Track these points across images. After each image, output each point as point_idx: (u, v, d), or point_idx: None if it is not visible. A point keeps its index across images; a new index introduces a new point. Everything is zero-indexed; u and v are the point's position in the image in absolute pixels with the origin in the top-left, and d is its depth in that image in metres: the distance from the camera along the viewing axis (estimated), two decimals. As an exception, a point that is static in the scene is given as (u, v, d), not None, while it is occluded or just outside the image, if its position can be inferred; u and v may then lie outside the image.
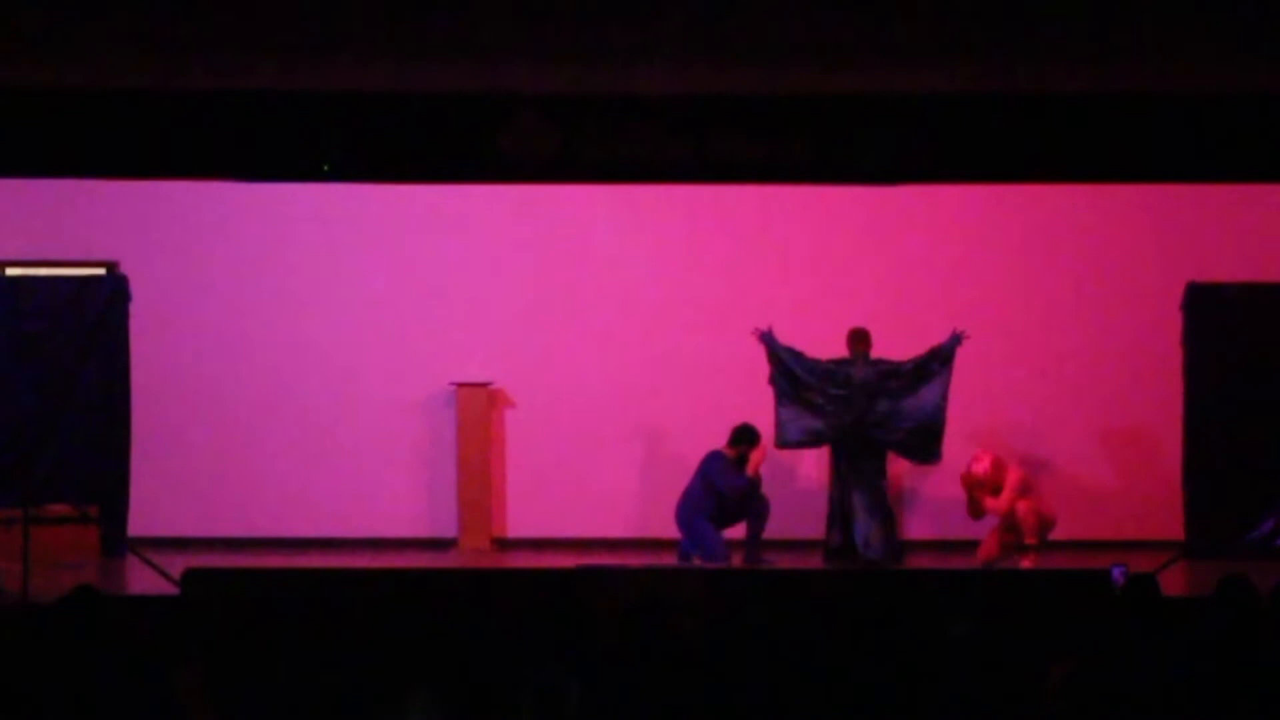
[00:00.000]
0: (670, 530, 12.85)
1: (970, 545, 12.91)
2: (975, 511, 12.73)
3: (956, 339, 12.72)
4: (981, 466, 12.60)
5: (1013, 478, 12.57)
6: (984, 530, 12.87)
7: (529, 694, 5.54)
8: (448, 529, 14.06)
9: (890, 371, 12.81)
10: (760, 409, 13.87)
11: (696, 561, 12.60)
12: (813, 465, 13.91)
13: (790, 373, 12.89)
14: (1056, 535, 12.78)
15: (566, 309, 14.25)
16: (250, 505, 14.09)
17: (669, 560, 12.73)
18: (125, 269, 13.98)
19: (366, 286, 14.25)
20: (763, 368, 13.89)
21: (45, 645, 6.71)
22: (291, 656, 6.61)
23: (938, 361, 12.75)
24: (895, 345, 13.52)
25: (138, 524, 13.50)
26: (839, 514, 12.85)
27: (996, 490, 12.60)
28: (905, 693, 6.37)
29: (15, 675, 6.45)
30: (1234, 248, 13.99)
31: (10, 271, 14.19)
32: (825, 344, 13.16)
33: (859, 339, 12.93)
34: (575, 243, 14.28)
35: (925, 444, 12.75)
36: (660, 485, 13.32)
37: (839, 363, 12.93)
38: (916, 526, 13.69)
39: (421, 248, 14.27)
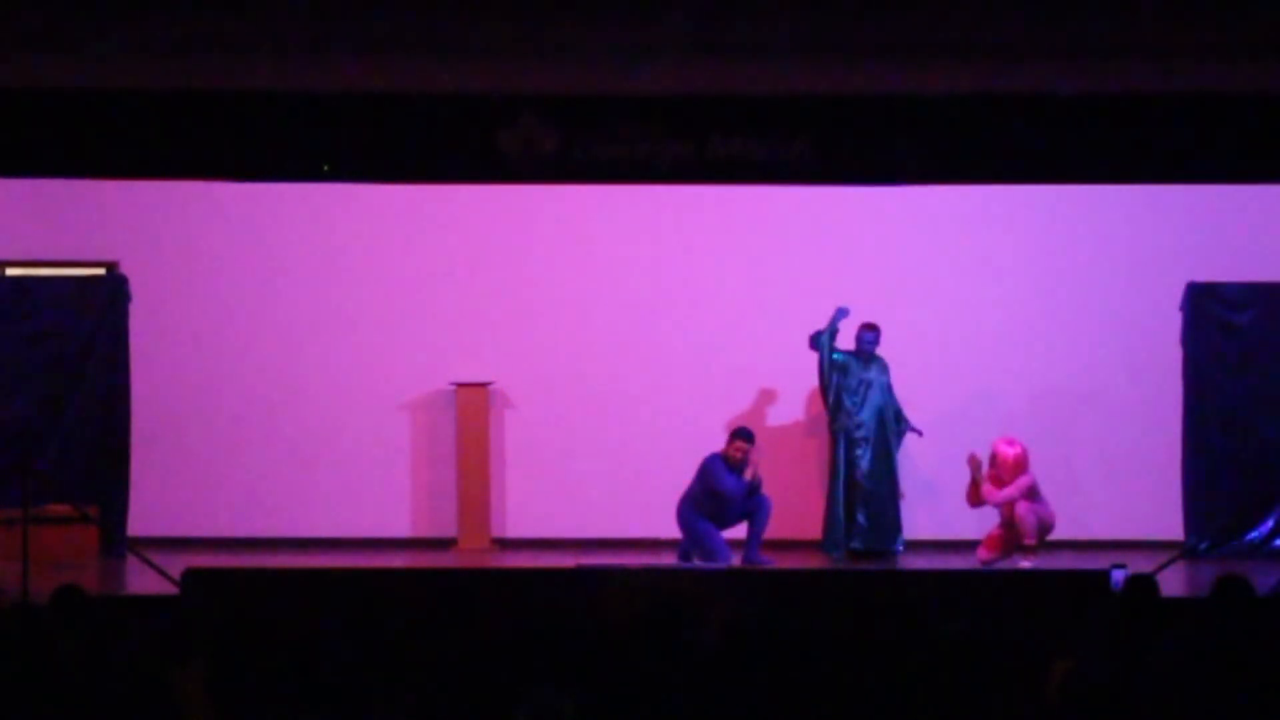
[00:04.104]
0: (670, 530, 12.85)
1: (970, 545, 12.91)
2: (974, 497, 12.73)
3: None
4: (1013, 450, 12.60)
5: (1023, 481, 12.55)
6: (984, 530, 12.87)
7: (524, 710, 5.53)
8: (447, 529, 14.06)
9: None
10: (759, 408, 13.90)
11: (696, 561, 12.60)
12: (813, 465, 13.90)
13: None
14: (1056, 535, 12.77)
15: (566, 309, 14.24)
16: (250, 505, 14.09)
17: (669, 560, 12.73)
18: (125, 269, 13.98)
19: (366, 286, 14.25)
20: (760, 367, 13.93)
21: (43, 645, 6.71)
22: (291, 656, 6.61)
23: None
24: (895, 345, 13.53)
25: (138, 524, 13.50)
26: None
27: (1003, 482, 12.59)
28: (905, 692, 6.37)
29: (15, 675, 6.45)
30: (1234, 248, 13.99)
31: (10, 271, 14.19)
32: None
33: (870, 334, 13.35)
34: (575, 243, 14.28)
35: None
36: (660, 485, 13.31)
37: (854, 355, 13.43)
38: (917, 526, 13.68)
39: (422, 248, 14.26)
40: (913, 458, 13.82)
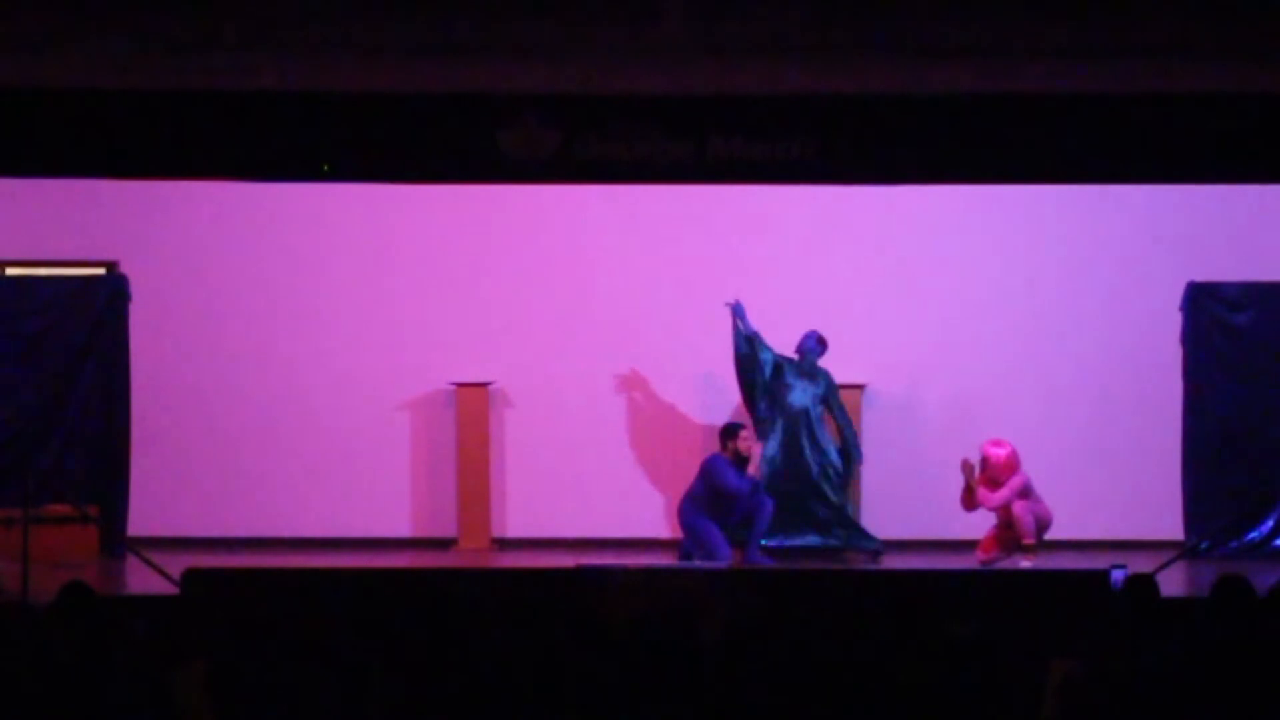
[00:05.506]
0: (670, 530, 12.86)
1: (969, 545, 12.90)
2: (969, 501, 12.72)
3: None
4: (1002, 452, 12.59)
5: (1016, 480, 12.54)
6: (982, 530, 12.87)
7: None
8: (447, 529, 14.06)
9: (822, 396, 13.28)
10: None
11: (697, 561, 12.60)
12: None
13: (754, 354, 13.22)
14: (1056, 535, 12.77)
15: (566, 309, 14.24)
16: (250, 505, 14.09)
17: (669, 560, 12.73)
18: (125, 269, 13.98)
19: (366, 287, 14.25)
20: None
21: (43, 644, 6.71)
22: (292, 656, 6.61)
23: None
24: (894, 345, 13.53)
25: (138, 524, 13.50)
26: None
27: (997, 484, 12.58)
28: (905, 692, 6.37)
29: (15, 675, 6.45)
30: (1234, 248, 13.99)
31: (10, 271, 14.19)
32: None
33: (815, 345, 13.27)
34: (575, 243, 14.28)
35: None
36: (660, 485, 13.33)
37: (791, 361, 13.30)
38: (916, 527, 13.68)
39: (422, 248, 14.27)
40: (913, 457, 13.82)
